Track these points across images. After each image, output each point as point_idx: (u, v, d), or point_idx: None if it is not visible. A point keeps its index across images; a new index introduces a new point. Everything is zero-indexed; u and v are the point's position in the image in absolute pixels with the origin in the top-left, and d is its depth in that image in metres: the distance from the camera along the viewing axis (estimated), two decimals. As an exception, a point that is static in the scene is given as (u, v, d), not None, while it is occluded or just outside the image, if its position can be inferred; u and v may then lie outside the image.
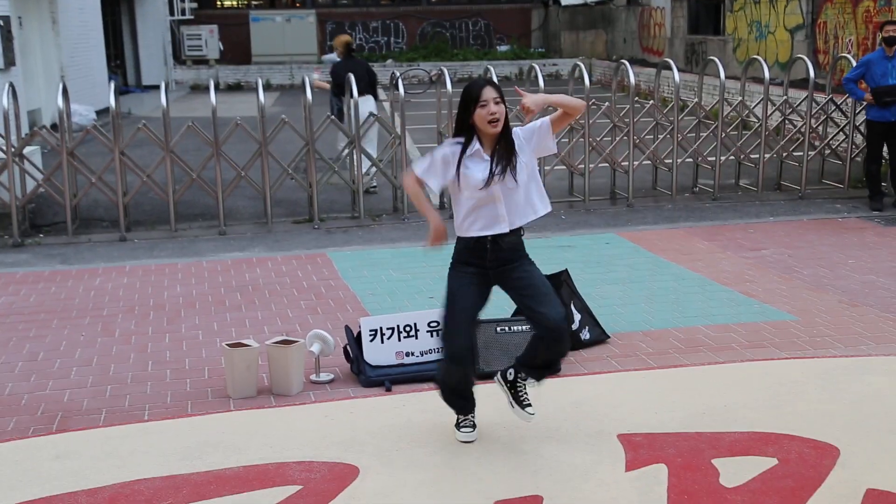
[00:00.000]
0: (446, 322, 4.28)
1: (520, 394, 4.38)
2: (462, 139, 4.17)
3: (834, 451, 4.29)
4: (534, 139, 4.23)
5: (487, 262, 4.21)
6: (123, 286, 7.34)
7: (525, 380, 4.38)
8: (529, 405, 4.36)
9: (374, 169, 9.60)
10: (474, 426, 4.47)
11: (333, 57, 11.84)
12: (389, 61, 26.71)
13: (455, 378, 4.31)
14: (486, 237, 4.17)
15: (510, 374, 4.40)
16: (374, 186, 10.52)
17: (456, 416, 4.49)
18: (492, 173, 4.09)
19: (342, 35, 12.03)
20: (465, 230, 4.22)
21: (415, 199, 4.35)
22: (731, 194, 10.42)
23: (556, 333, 4.16)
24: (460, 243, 4.28)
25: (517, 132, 4.23)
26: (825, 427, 4.54)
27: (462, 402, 4.44)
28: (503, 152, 4.13)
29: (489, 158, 4.12)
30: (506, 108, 4.13)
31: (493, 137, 4.13)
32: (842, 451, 4.28)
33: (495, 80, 9.62)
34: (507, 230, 4.16)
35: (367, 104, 10.23)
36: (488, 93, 4.08)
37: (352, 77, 9.38)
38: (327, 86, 11.41)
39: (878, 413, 4.70)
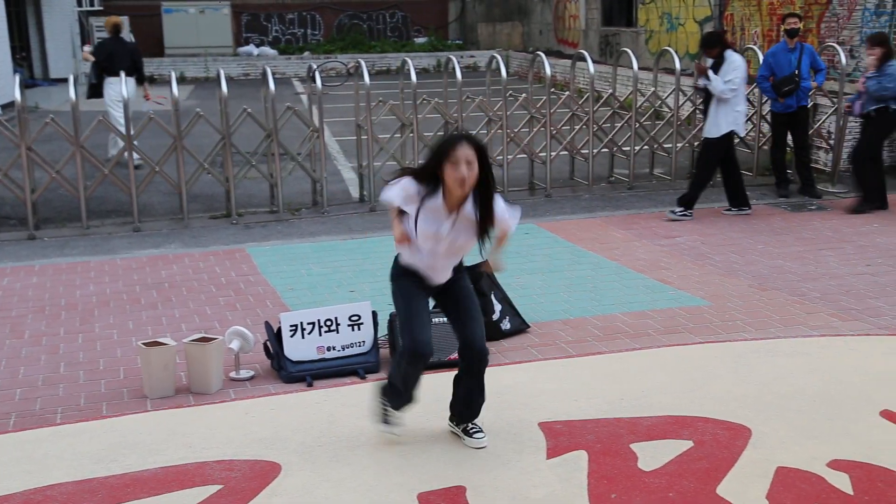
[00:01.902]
0: (407, 317, 4.16)
1: (466, 427, 4.38)
2: (424, 185, 3.97)
3: (746, 432, 4.42)
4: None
5: (431, 285, 4.24)
6: (33, 286, 7.13)
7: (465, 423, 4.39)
8: (478, 432, 4.36)
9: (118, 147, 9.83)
10: (399, 423, 4.42)
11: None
12: (307, 53, 26.46)
13: (414, 374, 4.22)
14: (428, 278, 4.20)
15: (453, 425, 4.44)
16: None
17: (383, 411, 4.40)
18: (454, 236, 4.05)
19: (112, 17, 13.15)
20: (407, 260, 4.19)
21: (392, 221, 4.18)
22: (645, 183, 10.63)
23: (479, 355, 4.19)
24: (406, 264, 4.22)
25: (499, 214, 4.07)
26: (737, 409, 4.68)
27: (404, 401, 4.35)
28: (483, 224, 4.01)
29: (449, 217, 3.99)
30: (487, 167, 3.91)
31: (459, 199, 3.95)
32: (753, 432, 4.42)
33: (413, 75, 9.68)
34: (447, 279, 4.20)
35: (127, 85, 10.07)
36: (462, 152, 3.83)
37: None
38: (91, 58, 12.19)
39: (787, 393, 4.86)
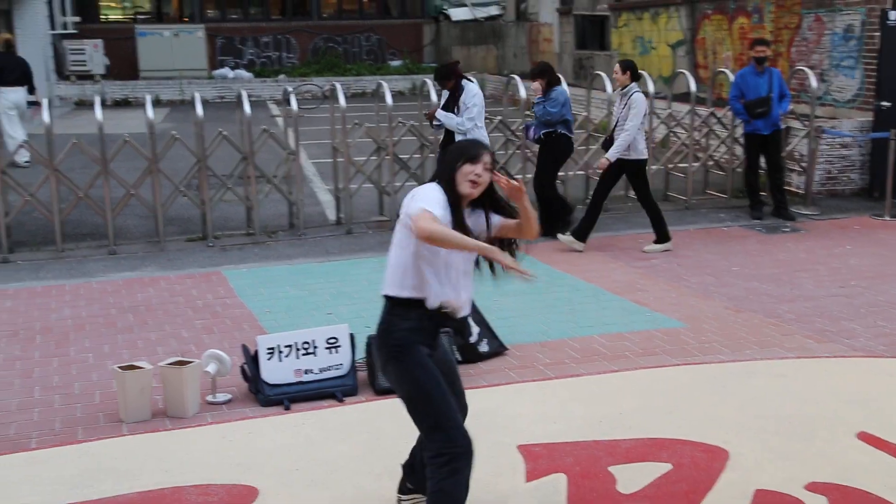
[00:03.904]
0: (441, 411, 3.49)
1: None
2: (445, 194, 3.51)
3: (724, 454, 4.44)
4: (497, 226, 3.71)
5: (436, 332, 3.63)
6: (7, 310, 7.05)
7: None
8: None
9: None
10: None
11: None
12: (282, 76, 26.46)
13: (466, 480, 3.50)
14: (445, 309, 3.57)
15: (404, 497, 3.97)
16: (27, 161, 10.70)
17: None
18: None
19: (4, 34, 14.89)
20: (428, 294, 3.53)
21: (446, 234, 3.37)
22: (621, 205, 10.68)
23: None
24: (411, 320, 3.54)
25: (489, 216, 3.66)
26: (715, 431, 4.70)
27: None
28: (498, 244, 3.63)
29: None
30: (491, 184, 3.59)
31: (465, 203, 3.56)
32: (731, 454, 4.44)
33: (389, 97, 9.71)
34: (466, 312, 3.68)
35: (17, 93, 13.54)
36: (485, 157, 3.53)
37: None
38: None
39: (764, 415, 4.89)
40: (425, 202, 3.43)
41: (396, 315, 3.56)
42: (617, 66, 8.73)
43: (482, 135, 8.67)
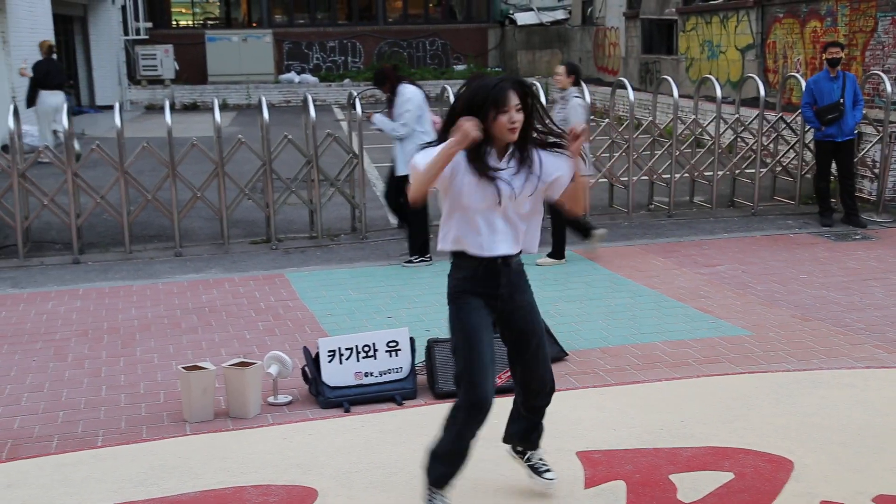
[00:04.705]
0: (467, 359, 3.65)
1: (533, 463, 4.11)
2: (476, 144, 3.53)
3: (788, 465, 4.34)
4: (553, 179, 3.71)
5: (501, 285, 3.72)
6: (76, 309, 7.23)
7: (525, 451, 4.11)
8: (547, 470, 4.08)
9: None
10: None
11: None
12: (347, 81, 26.72)
13: (471, 432, 3.70)
14: (496, 258, 3.67)
15: (514, 453, 4.14)
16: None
17: (429, 498, 3.84)
18: (513, 186, 3.60)
19: (45, 40, 15.81)
20: (472, 247, 3.66)
21: (422, 174, 3.53)
22: (685, 211, 10.55)
23: (544, 399, 3.94)
24: (463, 269, 3.72)
25: (541, 155, 3.69)
26: (779, 440, 4.60)
27: (452, 470, 3.80)
28: (527, 165, 3.65)
29: (500, 167, 3.62)
30: (528, 115, 3.60)
31: (506, 145, 3.64)
32: (795, 464, 4.34)
33: (453, 100, 9.70)
34: (516, 251, 3.73)
35: (56, 97, 14.30)
36: (513, 98, 3.53)
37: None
38: (30, 74, 14.97)
39: (830, 426, 4.77)
40: (412, 165, 3.61)
41: (453, 266, 3.79)
42: (561, 68, 8.39)
43: (428, 136, 8.04)
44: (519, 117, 3.57)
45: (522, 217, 3.74)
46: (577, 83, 8.35)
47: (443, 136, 3.61)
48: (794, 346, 6.08)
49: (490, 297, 3.73)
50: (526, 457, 4.14)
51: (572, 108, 8.11)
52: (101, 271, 8.44)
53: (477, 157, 3.59)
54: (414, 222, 8.40)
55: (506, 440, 4.18)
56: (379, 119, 8.40)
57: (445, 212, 3.73)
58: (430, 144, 3.67)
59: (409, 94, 8.28)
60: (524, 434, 4.08)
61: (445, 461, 3.79)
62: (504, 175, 3.63)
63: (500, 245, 3.68)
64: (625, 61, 22.83)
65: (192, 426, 4.97)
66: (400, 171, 8.31)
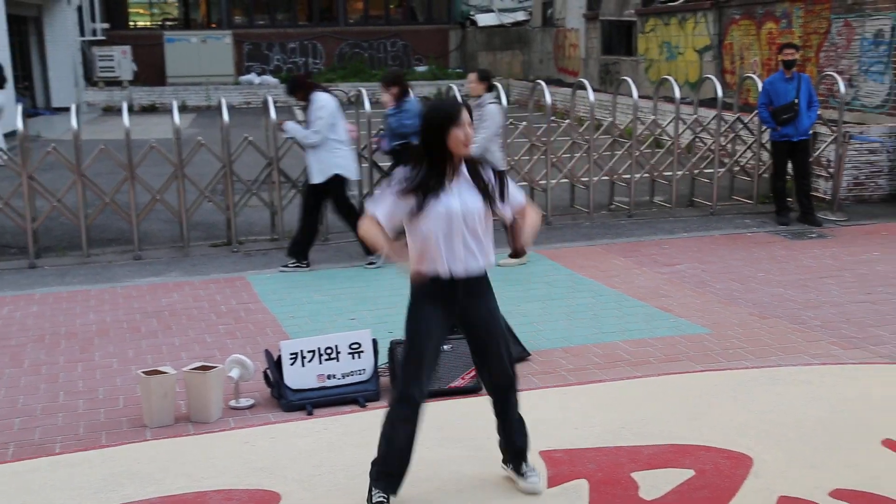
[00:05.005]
0: (407, 366, 3.95)
1: (522, 470, 4.19)
2: (422, 167, 3.87)
3: (747, 461, 4.40)
4: (507, 205, 4.05)
5: (457, 296, 3.94)
6: (33, 314, 7.12)
7: (516, 464, 4.20)
8: (533, 475, 4.17)
9: None
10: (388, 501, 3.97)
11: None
12: (307, 82, 26.58)
13: (396, 429, 3.94)
14: (454, 275, 3.90)
15: (506, 467, 4.26)
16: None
17: (375, 481, 3.99)
18: (488, 201, 3.92)
19: None
20: (430, 265, 3.90)
21: (371, 236, 3.95)
22: (646, 211, 10.64)
23: (503, 392, 4.13)
24: (425, 278, 3.95)
25: (491, 178, 3.98)
26: (738, 437, 4.66)
27: (390, 469, 3.98)
28: (483, 186, 3.93)
29: (451, 186, 3.88)
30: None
31: (457, 164, 3.89)
32: (755, 461, 4.40)
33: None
34: (476, 267, 3.94)
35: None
36: (465, 115, 3.86)
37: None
38: None
39: (788, 422, 4.84)
40: (375, 203, 3.97)
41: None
42: (473, 75, 8.27)
43: (340, 145, 8.18)
44: (471, 133, 3.86)
45: (477, 232, 3.93)
46: (490, 89, 8.24)
47: (416, 159, 3.92)
48: (753, 344, 6.16)
49: (448, 303, 3.96)
50: (516, 468, 4.19)
51: (489, 113, 7.97)
52: (58, 275, 8.32)
53: (427, 186, 3.86)
54: (305, 229, 8.29)
55: (504, 461, 4.27)
56: (291, 127, 8.27)
57: (408, 232, 3.97)
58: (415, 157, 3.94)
59: (323, 102, 8.15)
60: (507, 437, 4.20)
61: (384, 461, 3.99)
62: (452, 194, 3.88)
63: (457, 263, 3.91)
64: (585, 62, 22.99)
65: (152, 431, 4.92)
66: (314, 180, 8.18)
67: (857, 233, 9.54)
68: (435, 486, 4.23)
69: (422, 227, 3.88)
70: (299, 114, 19.78)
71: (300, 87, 8.35)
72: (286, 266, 8.32)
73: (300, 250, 8.38)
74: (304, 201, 8.49)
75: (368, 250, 8.33)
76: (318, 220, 8.60)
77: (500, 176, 4.05)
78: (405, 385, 3.97)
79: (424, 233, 3.88)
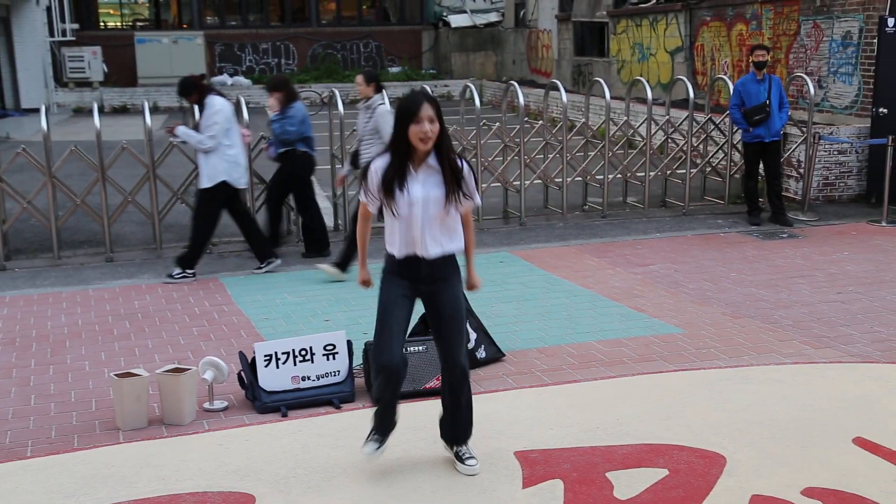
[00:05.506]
0: (379, 329, 4.24)
1: (459, 452, 4.42)
2: (391, 156, 4.17)
3: (721, 460, 4.43)
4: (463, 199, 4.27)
5: (421, 277, 4.22)
6: (3, 317, 7.04)
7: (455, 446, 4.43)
8: (470, 458, 4.38)
9: None
10: (382, 444, 4.33)
11: None
12: (280, 83, 26.47)
13: (385, 391, 4.26)
14: (418, 256, 4.20)
15: (447, 447, 4.48)
16: None
17: (371, 430, 4.38)
18: (448, 194, 4.16)
19: None
20: (395, 247, 4.22)
21: (359, 249, 4.48)
22: (619, 211, 10.70)
23: (455, 369, 4.29)
24: (388, 258, 4.29)
25: (464, 171, 4.22)
26: (712, 436, 4.69)
27: (388, 423, 4.35)
28: (449, 177, 4.15)
29: (416, 174, 4.15)
30: (442, 121, 4.13)
31: (422, 155, 4.14)
32: (728, 460, 4.43)
33: (387, 104, 9.71)
34: (436, 250, 4.20)
35: None
36: (425, 111, 4.06)
37: None
38: None
39: (761, 421, 4.88)
40: (362, 191, 4.29)
41: (386, 255, 4.33)
42: (360, 77, 8.04)
43: (234, 149, 7.97)
44: (430, 126, 4.06)
45: (439, 219, 4.18)
46: (378, 90, 8.05)
47: (391, 148, 4.18)
48: (725, 344, 6.21)
49: (413, 280, 4.24)
50: (454, 450, 4.43)
51: (380, 115, 7.78)
52: (28, 278, 8.23)
53: (391, 177, 4.13)
54: (197, 236, 8.10)
55: (442, 436, 4.51)
56: (183, 131, 7.97)
57: (385, 218, 4.26)
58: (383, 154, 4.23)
59: (219, 106, 7.92)
60: (451, 421, 4.42)
61: (378, 417, 4.35)
62: (416, 182, 4.14)
63: (419, 247, 4.18)
64: (557, 63, 23.07)
65: (125, 434, 4.88)
66: (203, 185, 7.96)
67: (827, 233, 9.65)
68: (412, 485, 4.22)
69: (390, 213, 4.17)
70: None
71: (192, 90, 8.11)
72: (171, 275, 8.05)
73: (261, 251, 8.30)
74: (198, 208, 8.15)
75: (262, 255, 8.26)
76: (250, 217, 8.46)
77: (473, 172, 4.29)
78: (378, 353, 4.23)
79: (392, 218, 4.18)
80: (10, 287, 7.92)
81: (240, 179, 8.12)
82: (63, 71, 25.23)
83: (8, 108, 22.62)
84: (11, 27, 23.18)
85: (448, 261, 4.26)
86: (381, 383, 4.26)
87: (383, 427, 4.34)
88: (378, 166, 4.20)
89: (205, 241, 8.19)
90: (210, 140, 7.86)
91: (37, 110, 9.85)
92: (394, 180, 4.13)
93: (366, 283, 4.48)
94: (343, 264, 7.94)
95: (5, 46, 23.30)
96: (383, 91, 8.15)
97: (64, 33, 25.23)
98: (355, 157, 8.10)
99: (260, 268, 8.31)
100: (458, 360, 4.29)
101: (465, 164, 4.24)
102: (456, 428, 4.42)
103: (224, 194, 8.01)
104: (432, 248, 4.18)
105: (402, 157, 4.13)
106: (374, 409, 4.39)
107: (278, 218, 8.94)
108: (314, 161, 8.78)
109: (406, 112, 4.08)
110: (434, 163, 4.16)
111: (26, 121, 20.33)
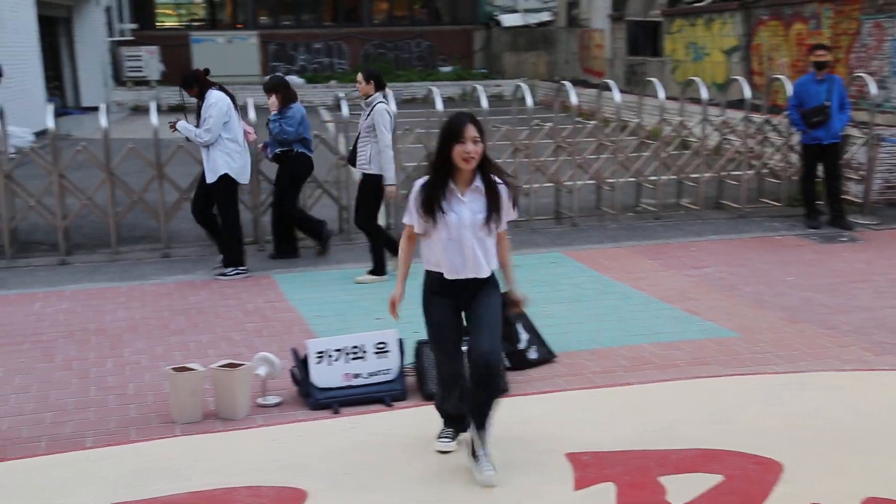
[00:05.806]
0: (439, 347, 4.36)
1: (477, 455, 4.30)
2: (436, 177, 4.19)
3: (777, 467, 4.36)
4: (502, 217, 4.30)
5: (466, 295, 4.29)
6: (63, 311, 7.19)
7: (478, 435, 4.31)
8: (488, 467, 4.25)
9: None
10: (454, 439, 4.56)
11: None
12: (333, 82, 26.68)
13: (452, 404, 4.43)
14: (459, 279, 4.24)
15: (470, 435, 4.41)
16: None
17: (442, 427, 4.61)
18: (488, 215, 4.20)
19: None
20: (442, 268, 4.27)
21: (401, 258, 4.50)
22: (673, 213, 10.58)
23: (482, 360, 4.17)
24: (433, 277, 4.33)
25: (503, 194, 4.26)
26: (768, 443, 4.62)
27: (457, 424, 4.55)
28: (492, 200, 4.20)
29: (463, 195, 4.18)
30: (485, 146, 4.16)
31: (467, 175, 4.17)
32: (785, 467, 4.36)
33: (439, 103, 9.74)
34: (482, 272, 4.24)
35: None
36: (469, 132, 4.10)
37: None
38: None
39: (819, 428, 4.79)
40: (407, 212, 4.32)
41: (426, 273, 4.39)
42: (360, 75, 7.97)
43: (233, 144, 7.93)
44: (473, 147, 4.09)
45: (481, 241, 4.22)
46: (379, 88, 7.93)
47: (434, 168, 4.21)
48: (782, 349, 6.10)
49: (456, 298, 4.31)
50: (472, 450, 4.33)
51: (377, 113, 7.70)
52: (88, 272, 8.39)
53: (433, 198, 4.17)
54: (228, 233, 8.11)
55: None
56: (183, 126, 7.95)
57: (427, 237, 4.31)
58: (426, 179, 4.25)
59: (214, 100, 7.90)
60: (473, 408, 4.32)
61: (448, 415, 4.55)
62: (463, 205, 4.17)
63: (461, 269, 4.22)
64: (610, 63, 22.90)
65: (181, 427, 4.95)
66: (209, 180, 7.96)
67: (888, 237, 9.44)
68: (462, 486, 4.22)
69: (432, 234, 4.22)
70: (325, 114, 19.87)
71: (194, 83, 8.14)
72: (224, 274, 8.09)
73: (230, 256, 8.19)
74: (196, 199, 8.28)
75: (228, 261, 8.12)
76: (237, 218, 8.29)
77: (514, 193, 4.32)
78: (442, 365, 4.38)
79: (433, 239, 4.23)
80: (70, 281, 8.08)
81: (241, 174, 8.07)
82: (122, 70, 25.68)
83: (69, 107, 23.11)
84: (73, 28, 23.67)
85: (487, 280, 4.30)
86: (446, 395, 4.44)
87: (458, 428, 4.56)
88: (422, 186, 4.24)
89: (236, 234, 8.16)
90: (206, 133, 7.83)
91: (96, 108, 10.01)
92: (439, 201, 4.17)
93: (394, 302, 4.45)
94: (379, 269, 7.95)
95: (67, 46, 23.81)
96: (386, 89, 8.10)
97: (122, 33, 25.70)
98: (353, 154, 8.06)
99: (218, 268, 8.20)
100: (485, 349, 4.17)
101: (504, 186, 4.27)
102: (480, 413, 4.27)
103: (230, 187, 8.00)
104: (481, 270, 4.23)
105: (444, 177, 4.18)
106: (442, 408, 4.57)
107: (305, 219, 8.80)
108: (311, 162, 8.77)
109: (451, 132, 4.13)
110: (480, 184, 4.21)
111: (86, 119, 20.74)
